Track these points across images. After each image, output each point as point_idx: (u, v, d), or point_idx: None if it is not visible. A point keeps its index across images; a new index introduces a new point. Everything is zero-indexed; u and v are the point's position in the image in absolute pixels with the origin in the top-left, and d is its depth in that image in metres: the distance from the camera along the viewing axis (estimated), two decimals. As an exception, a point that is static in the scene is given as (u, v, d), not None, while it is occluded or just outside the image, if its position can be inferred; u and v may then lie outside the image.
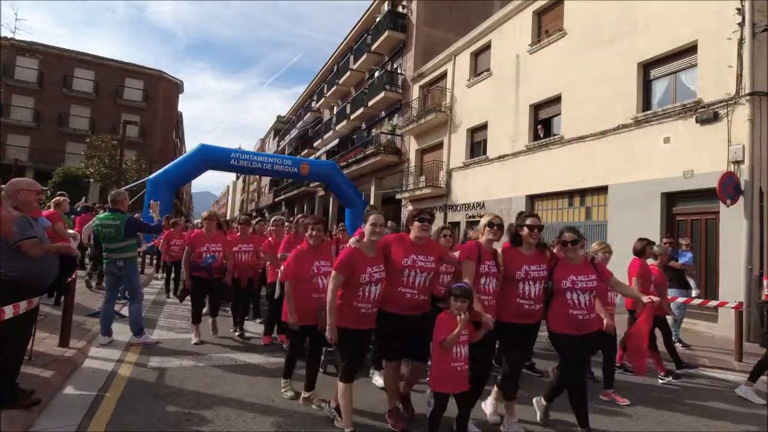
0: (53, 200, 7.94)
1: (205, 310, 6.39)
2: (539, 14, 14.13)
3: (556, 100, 12.91)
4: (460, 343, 3.17)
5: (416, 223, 3.49)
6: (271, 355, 5.54)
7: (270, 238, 6.38)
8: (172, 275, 9.57)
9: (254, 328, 6.93)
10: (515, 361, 3.70)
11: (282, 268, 5.09)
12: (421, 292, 3.47)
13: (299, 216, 6.15)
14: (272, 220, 6.88)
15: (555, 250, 3.77)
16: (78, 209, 11.02)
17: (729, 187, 8.12)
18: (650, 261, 5.74)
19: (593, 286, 3.54)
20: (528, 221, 3.64)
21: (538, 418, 3.88)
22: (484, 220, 3.75)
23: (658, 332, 5.61)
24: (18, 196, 3.46)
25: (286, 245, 5.46)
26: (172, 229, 9.53)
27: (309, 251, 4.04)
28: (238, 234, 6.87)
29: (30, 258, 3.31)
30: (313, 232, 4.04)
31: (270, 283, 6.09)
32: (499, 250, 3.73)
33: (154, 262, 14.42)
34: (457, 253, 3.85)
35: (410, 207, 19.41)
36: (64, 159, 29.53)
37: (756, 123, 8.28)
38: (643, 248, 5.55)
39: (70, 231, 8.05)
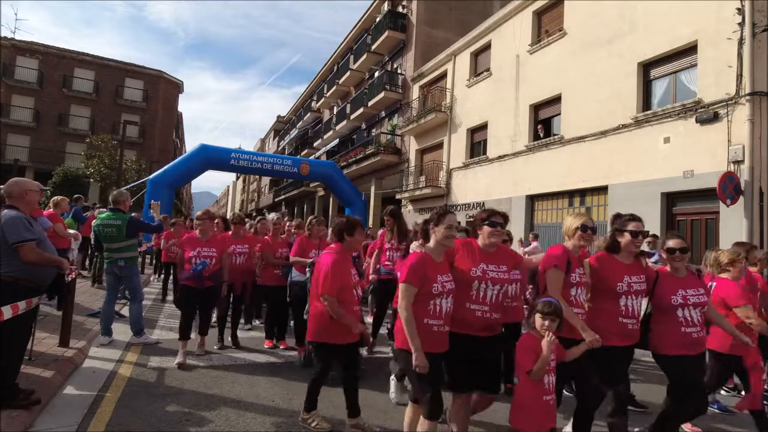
0: (52, 200, 7.97)
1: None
2: (539, 14, 14.13)
3: (556, 100, 12.92)
4: (548, 371, 2.69)
5: (486, 228, 2.99)
6: (271, 355, 5.54)
7: (267, 237, 6.08)
8: (171, 276, 9.55)
9: (243, 334, 6.38)
10: (623, 392, 3.12)
11: (309, 274, 4.80)
12: (494, 309, 2.94)
13: (311, 217, 5.72)
14: (270, 218, 6.52)
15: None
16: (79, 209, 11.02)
17: (729, 187, 8.12)
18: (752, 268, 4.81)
19: (705, 301, 3.11)
20: (630, 226, 3.13)
21: None
22: (573, 222, 3.15)
23: None
24: (26, 197, 3.49)
25: (299, 248, 5.28)
26: (171, 229, 9.49)
27: (346, 256, 3.55)
28: (230, 233, 6.09)
29: (26, 262, 3.31)
30: (358, 237, 3.52)
31: (268, 285, 5.88)
32: (586, 260, 3.21)
33: (153, 263, 14.40)
34: (532, 258, 3.41)
35: (410, 207, 19.42)
36: (64, 159, 29.52)
37: (756, 123, 8.28)
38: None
39: (71, 231, 8.08)
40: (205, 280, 5.09)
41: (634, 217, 3.18)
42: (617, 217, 3.29)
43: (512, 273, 3.14)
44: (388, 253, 5.83)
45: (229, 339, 5.85)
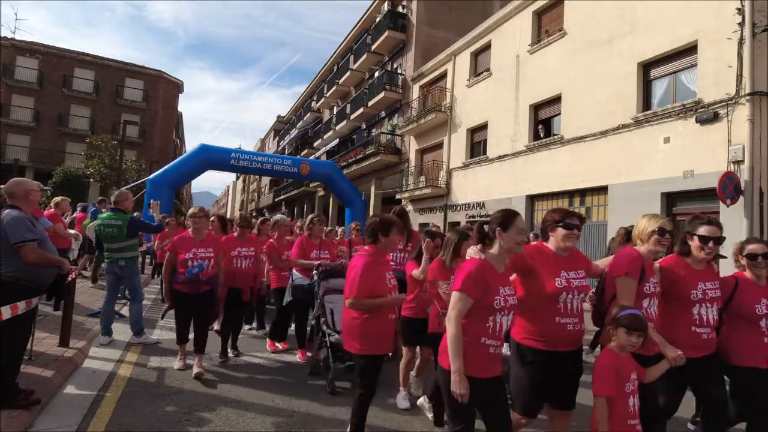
0: (53, 200, 7.98)
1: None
2: (539, 14, 14.13)
3: (556, 100, 12.92)
4: (632, 393, 2.40)
5: (560, 230, 2.69)
6: (271, 355, 5.53)
7: (272, 239, 5.86)
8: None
9: (243, 335, 6.18)
10: (719, 403, 2.83)
11: (316, 276, 4.76)
12: (581, 320, 2.68)
13: (313, 216, 5.55)
14: (274, 219, 6.24)
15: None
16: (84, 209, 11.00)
17: (729, 187, 8.12)
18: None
19: None
20: (701, 230, 2.85)
21: None
22: (649, 225, 2.82)
23: None
24: (30, 197, 3.51)
25: (300, 249, 5.18)
26: (165, 230, 9.21)
27: (380, 259, 3.21)
28: (235, 235, 5.65)
29: (27, 262, 3.31)
30: (394, 237, 3.20)
31: (275, 288, 5.78)
32: (656, 264, 2.93)
33: (152, 263, 14.32)
34: (600, 262, 3.09)
35: (410, 207, 19.41)
36: (64, 159, 29.52)
37: (756, 123, 8.28)
38: None
39: (71, 231, 8.09)
40: (202, 285, 4.60)
41: (710, 221, 2.90)
42: (694, 218, 3.02)
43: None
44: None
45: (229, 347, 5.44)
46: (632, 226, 2.87)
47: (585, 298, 2.72)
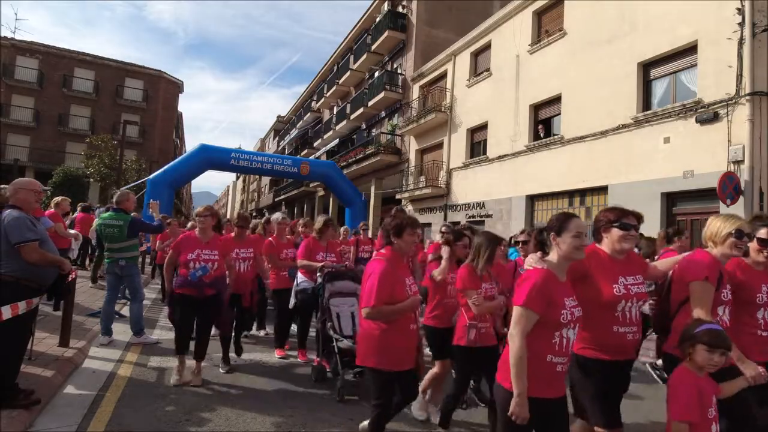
0: (53, 200, 7.99)
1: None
2: (539, 14, 14.13)
3: (556, 100, 12.92)
4: (713, 420, 2.15)
5: (616, 231, 2.49)
6: (271, 355, 5.53)
7: (271, 238, 5.67)
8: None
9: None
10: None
11: (320, 277, 4.58)
12: (639, 328, 2.51)
13: (326, 218, 5.39)
14: (275, 217, 6.01)
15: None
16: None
17: (729, 187, 8.12)
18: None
19: None
20: (761, 232, 2.65)
21: None
22: (724, 226, 2.62)
23: None
24: (17, 195, 3.47)
25: (306, 250, 5.02)
26: (167, 230, 9.15)
27: (398, 263, 2.95)
28: (232, 235, 5.34)
29: (28, 262, 3.31)
30: (408, 238, 2.93)
31: (273, 290, 5.51)
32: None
33: (150, 265, 14.24)
34: (660, 264, 2.87)
35: (410, 207, 19.42)
36: (64, 159, 29.52)
37: (756, 123, 8.28)
38: None
39: (71, 231, 8.09)
40: (205, 288, 4.31)
41: None
42: (756, 218, 2.87)
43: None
44: None
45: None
46: (671, 228, 2.72)
47: (643, 305, 2.51)
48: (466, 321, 3.33)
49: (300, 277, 5.19)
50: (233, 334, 5.15)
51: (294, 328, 5.74)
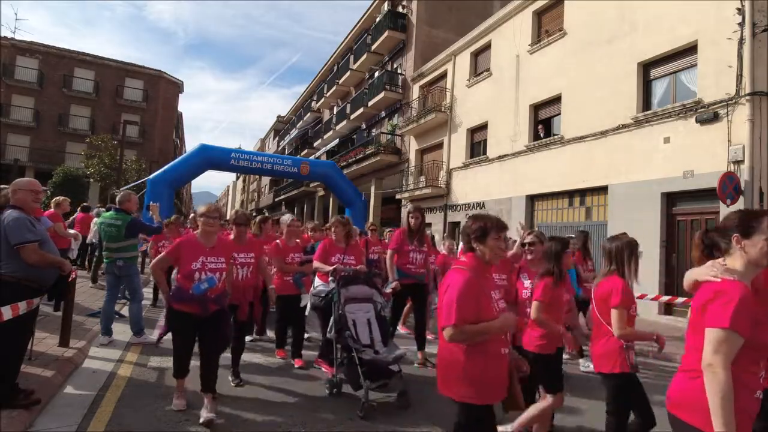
0: (53, 200, 7.99)
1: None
2: (539, 14, 14.13)
3: (556, 100, 12.92)
4: None
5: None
6: (270, 355, 5.52)
7: (278, 240, 5.28)
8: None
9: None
10: None
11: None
12: None
13: (336, 217, 5.18)
14: (284, 219, 5.60)
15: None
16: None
17: (729, 187, 8.12)
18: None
19: None
20: None
21: None
22: None
23: None
24: (15, 196, 3.47)
25: (322, 252, 4.78)
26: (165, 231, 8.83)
27: (484, 274, 2.45)
28: (231, 237, 4.63)
29: (28, 263, 3.31)
30: (492, 243, 2.41)
31: (278, 296, 4.96)
32: None
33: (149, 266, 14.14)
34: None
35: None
36: (64, 159, 29.52)
37: (756, 123, 8.28)
38: None
39: (71, 231, 8.09)
40: (210, 303, 3.57)
41: None
42: None
43: None
44: (411, 255, 5.26)
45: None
46: (708, 230, 2.12)
47: None
48: (616, 345, 2.83)
49: (317, 280, 5.00)
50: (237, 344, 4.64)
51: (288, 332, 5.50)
